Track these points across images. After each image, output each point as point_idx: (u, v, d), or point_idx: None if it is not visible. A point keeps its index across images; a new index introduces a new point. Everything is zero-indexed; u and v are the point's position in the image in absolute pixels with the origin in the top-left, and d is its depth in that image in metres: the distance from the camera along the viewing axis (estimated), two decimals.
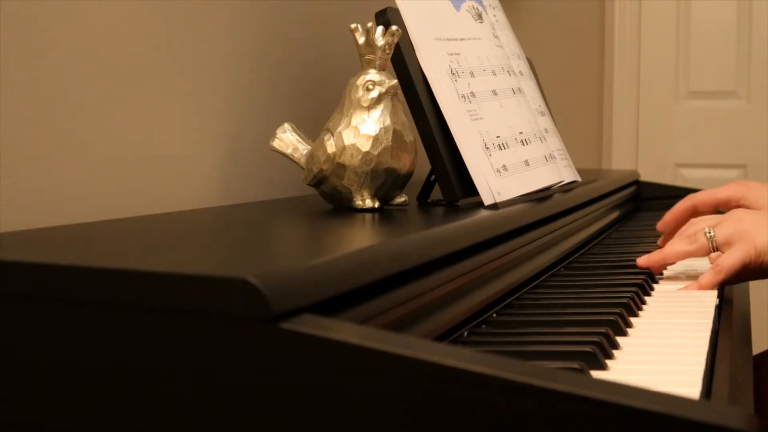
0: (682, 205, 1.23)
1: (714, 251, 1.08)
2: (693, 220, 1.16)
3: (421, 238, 0.75)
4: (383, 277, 0.65)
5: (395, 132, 0.94)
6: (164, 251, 0.70)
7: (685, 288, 1.05)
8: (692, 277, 1.09)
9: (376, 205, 0.96)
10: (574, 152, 1.54)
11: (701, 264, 1.15)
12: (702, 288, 1.03)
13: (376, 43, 0.96)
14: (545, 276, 1.11)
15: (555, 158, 1.19)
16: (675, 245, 1.11)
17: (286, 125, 1.02)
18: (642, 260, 1.12)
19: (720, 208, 1.22)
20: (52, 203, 0.87)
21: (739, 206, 1.19)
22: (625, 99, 2.69)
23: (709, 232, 1.07)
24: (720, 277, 1.03)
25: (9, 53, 0.82)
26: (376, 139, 0.94)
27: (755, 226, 1.05)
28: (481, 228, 0.89)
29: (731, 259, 1.03)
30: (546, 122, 1.27)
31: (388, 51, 0.97)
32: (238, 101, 1.17)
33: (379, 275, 0.64)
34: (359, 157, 0.94)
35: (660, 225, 1.25)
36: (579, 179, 1.31)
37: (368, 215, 0.92)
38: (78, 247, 0.70)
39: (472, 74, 1.08)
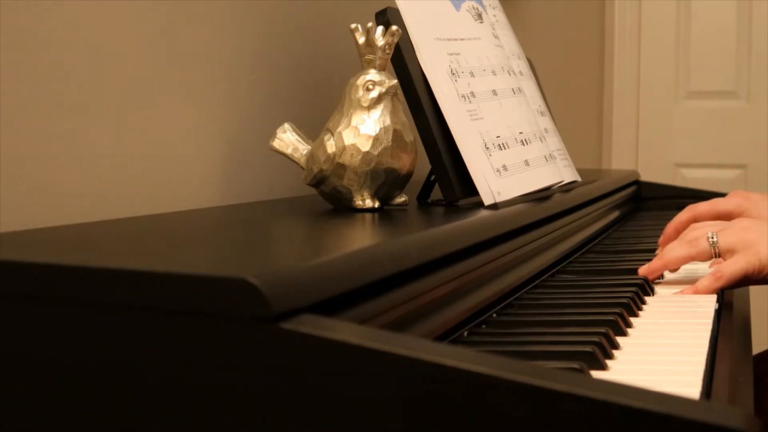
0: (683, 216, 1.21)
1: (715, 257, 1.05)
2: (694, 225, 1.14)
3: (421, 238, 0.75)
4: (383, 277, 0.65)
5: (395, 132, 0.95)
6: (164, 251, 0.70)
7: (681, 292, 1.04)
8: (694, 280, 1.09)
9: (376, 205, 0.96)
10: (574, 152, 1.54)
11: (704, 268, 1.14)
12: (698, 293, 1.02)
13: (376, 43, 0.96)
14: (545, 276, 1.11)
15: (555, 158, 1.20)
16: (675, 250, 1.08)
17: (286, 125, 1.02)
18: (643, 269, 1.09)
19: (721, 221, 1.20)
20: (52, 203, 0.87)
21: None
22: (625, 99, 2.69)
23: (712, 237, 1.05)
24: (719, 284, 1.01)
25: (9, 53, 0.82)
26: (376, 139, 0.94)
27: (761, 236, 1.03)
28: (481, 228, 0.89)
29: (733, 268, 1.01)
30: (546, 122, 1.27)
31: (388, 51, 0.97)
32: (238, 101, 1.17)
33: (379, 275, 0.64)
34: (359, 157, 0.94)
35: (662, 240, 1.23)
36: (579, 179, 1.31)
37: (368, 215, 0.92)
38: (78, 247, 0.70)
39: (472, 74, 1.08)
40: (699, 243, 1.06)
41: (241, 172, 1.17)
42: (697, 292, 1.02)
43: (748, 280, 1.02)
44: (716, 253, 1.05)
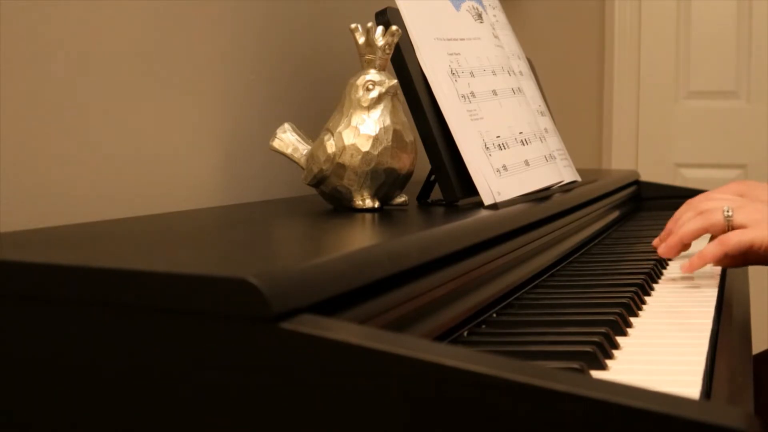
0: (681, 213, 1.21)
1: (728, 231, 1.06)
2: (709, 194, 1.15)
3: (420, 238, 0.75)
4: (383, 277, 0.65)
5: (395, 132, 0.95)
6: (164, 251, 0.70)
7: (689, 262, 1.04)
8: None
9: (376, 205, 0.96)
10: (574, 152, 1.54)
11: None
12: (704, 258, 1.02)
13: (376, 43, 0.96)
14: (545, 276, 1.11)
15: (555, 158, 1.19)
16: (689, 223, 1.09)
17: (286, 125, 1.02)
18: (661, 249, 1.10)
19: (736, 197, 1.20)
20: (52, 203, 0.87)
21: None
22: (625, 99, 2.69)
23: (728, 212, 1.06)
24: (724, 249, 1.02)
25: (9, 53, 0.82)
26: (376, 139, 0.94)
27: None
28: (481, 228, 0.89)
29: (740, 237, 1.02)
30: (546, 122, 1.27)
31: (388, 51, 0.97)
32: (238, 101, 1.17)
33: (378, 275, 0.64)
34: (359, 157, 0.94)
35: (660, 237, 1.22)
36: (579, 179, 1.31)
37: (368, 215, 0.92)
38: (78, 247, 0.70)
39: (472, 74, 1.08)
40: (713, 215, 1.07)
41: (241, 172, 1.17)
42: (703, 257, 1.03)
43: (752, 253, 1.03)
44: (729, 227, 1.06)
